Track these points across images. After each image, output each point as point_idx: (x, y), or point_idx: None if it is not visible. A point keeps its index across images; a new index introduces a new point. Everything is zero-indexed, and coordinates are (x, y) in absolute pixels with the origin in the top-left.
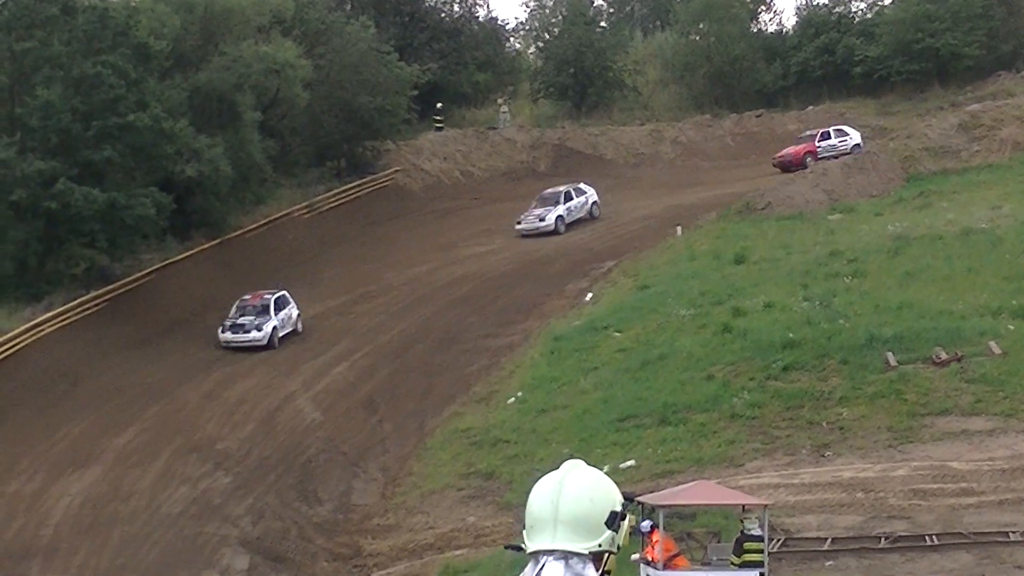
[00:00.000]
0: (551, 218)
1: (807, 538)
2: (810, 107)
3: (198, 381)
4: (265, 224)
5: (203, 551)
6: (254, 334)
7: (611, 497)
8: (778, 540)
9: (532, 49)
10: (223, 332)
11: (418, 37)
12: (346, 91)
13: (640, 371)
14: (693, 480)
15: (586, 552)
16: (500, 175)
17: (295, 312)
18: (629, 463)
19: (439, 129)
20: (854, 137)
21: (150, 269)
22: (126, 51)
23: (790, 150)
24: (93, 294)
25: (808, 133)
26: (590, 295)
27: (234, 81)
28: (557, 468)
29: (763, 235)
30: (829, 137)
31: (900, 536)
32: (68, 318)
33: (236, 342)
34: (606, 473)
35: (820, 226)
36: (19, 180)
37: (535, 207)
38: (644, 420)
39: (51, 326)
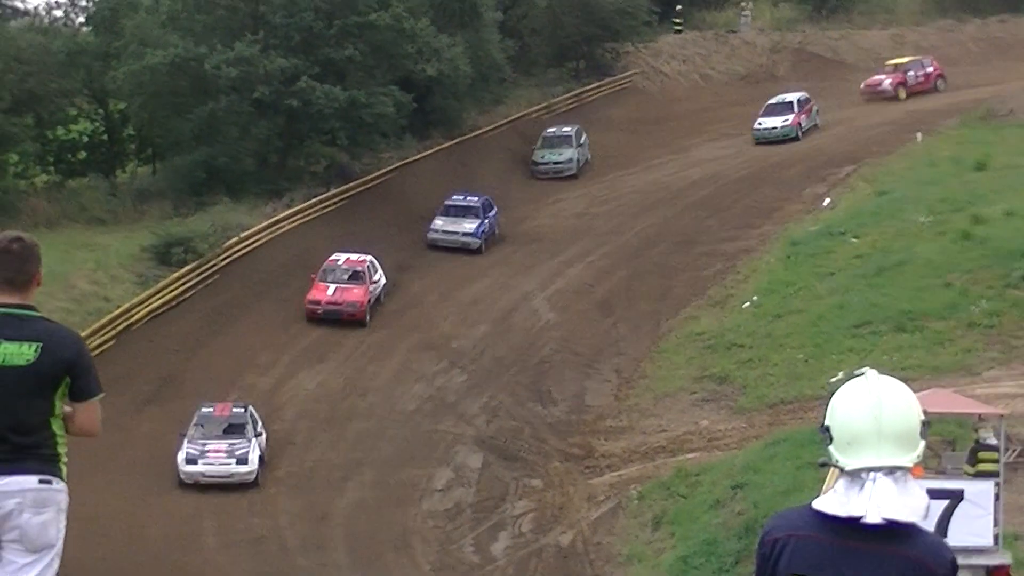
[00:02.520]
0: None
1: None
2: None
3: (434, 279)
4: (503, 124)
5: (437, 448)
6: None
7: (919, 407)
8: (1014, 451)
9: None
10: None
11: None
12: None
13: (876, 277)
14: (929, 388)
15: (910, 465)
16: (738, 79)
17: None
18: (863, 370)
19: (678, 31)
20: None
21: (388, 168)
22: None
23: None
24: (332, 191)
25: None
26: (828, 200)
27: None
28: (844, 379)
29: (1004, 141)
30: None
31: None
32: (307, 215)
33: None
34: (840, 380)
35: None
36: (262, 77)
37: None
38: (880, 327)
39: (291, 222)
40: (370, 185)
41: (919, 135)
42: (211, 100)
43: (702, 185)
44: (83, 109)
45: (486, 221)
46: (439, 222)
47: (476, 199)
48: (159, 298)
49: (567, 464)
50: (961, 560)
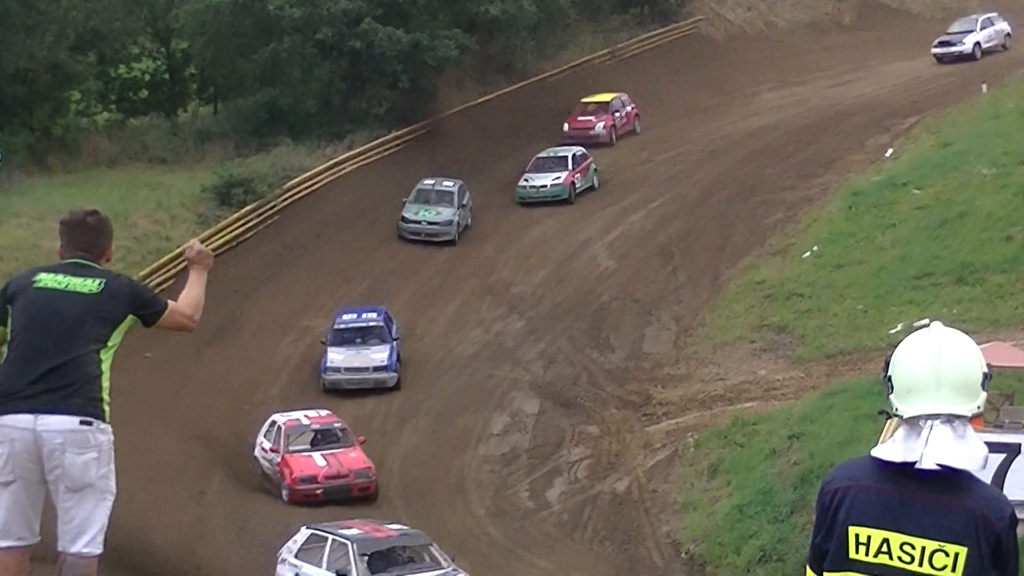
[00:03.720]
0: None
1: None
2: None
3: (493, 225)
4: (566, 69)
5: (494, 393)
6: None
7: (981, 358)
8: None
9: None
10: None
11: None
12: None
13: (938, 229)
14: (988, 342)
15: (968, 415)
16: (803, 27)
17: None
18: (923, 322)
19: None
20: None
21: (450, 111)
22: None
23: None
24: (394, 134)
25: None
26: (890, 151)
27: None
28: (909, 331)
29: None
30: None
31: None
32: (369, 157)
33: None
34: (900, 332)
35: None
36: (325, 19)
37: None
38: (941, 279)
39: (352, 164)
40: (431, 128)
41: (984, 87)
42: (274, 41)
43: (763, 134)
44: (146, 48)
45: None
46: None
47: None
48: (219, 238)
49: (624, 411)
50: (1019, 515)
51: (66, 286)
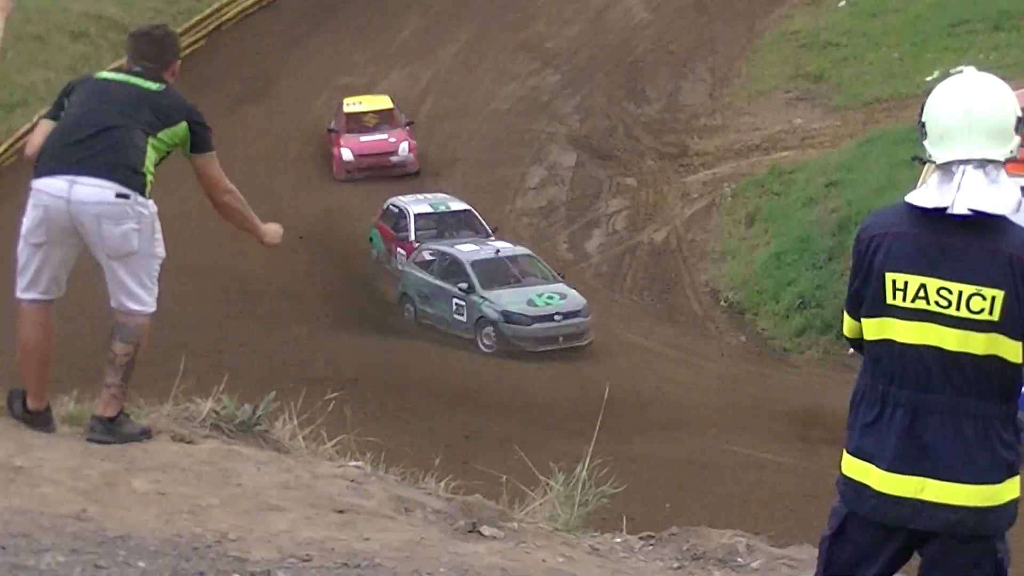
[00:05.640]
0: None
1: None
2: None
3: None
4: None
5: (531, 147)
6: None
7: (1014, 102)
8: None
9: None
10: None
11: None
12: None
13: None
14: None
15: (1001, 159)
16: None
17: None
18: (959, 68)
19: None
20: None
21: None
22: None
23: None
24: None
25: None
26: None
27: None
28: (940, 77)
29: None
30: None
31: None
32: None
33: None
34: (936, 79)
35: None
36: None
37: None
38: (977, 25)
39: None
40: None
41: None
42: None
43: None
44: None
45: None
46: None
47: None
48: None
49: (661, 162)
50: None
51: (127, 80)
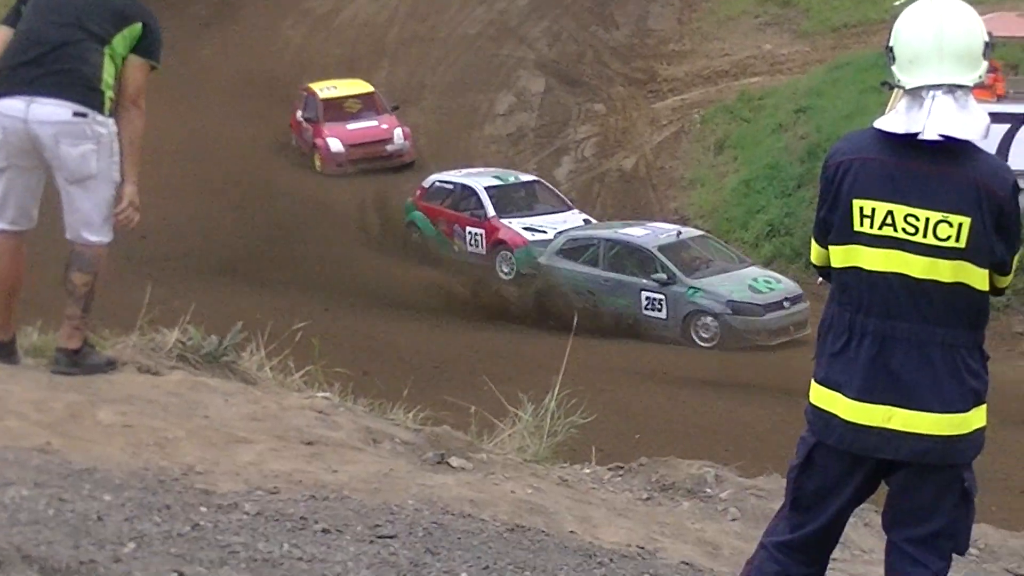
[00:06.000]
0: None
1: None
2: None
3: None
4: None
5: (499, 72)
6: None
7: (982, 27)
8: None
9: None
10: None
11: None
12: None
13: None
14: (994, 12)
15: (970, 84)
16: None
17: None
18: None
19: None
20: None
21: None
22: None
23: None
24: None
25: None
26: None
27: None
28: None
29: None
30: None
31: None
32: None
33: None
34: (904, 4)
35: None
36: None
37: None
38: None
39: None
40: None
41: None
42: None
43: None
44: None
45: None
46: None
47: None
48: None
49: (630, 88)
50: (1022, 184)
51: None
